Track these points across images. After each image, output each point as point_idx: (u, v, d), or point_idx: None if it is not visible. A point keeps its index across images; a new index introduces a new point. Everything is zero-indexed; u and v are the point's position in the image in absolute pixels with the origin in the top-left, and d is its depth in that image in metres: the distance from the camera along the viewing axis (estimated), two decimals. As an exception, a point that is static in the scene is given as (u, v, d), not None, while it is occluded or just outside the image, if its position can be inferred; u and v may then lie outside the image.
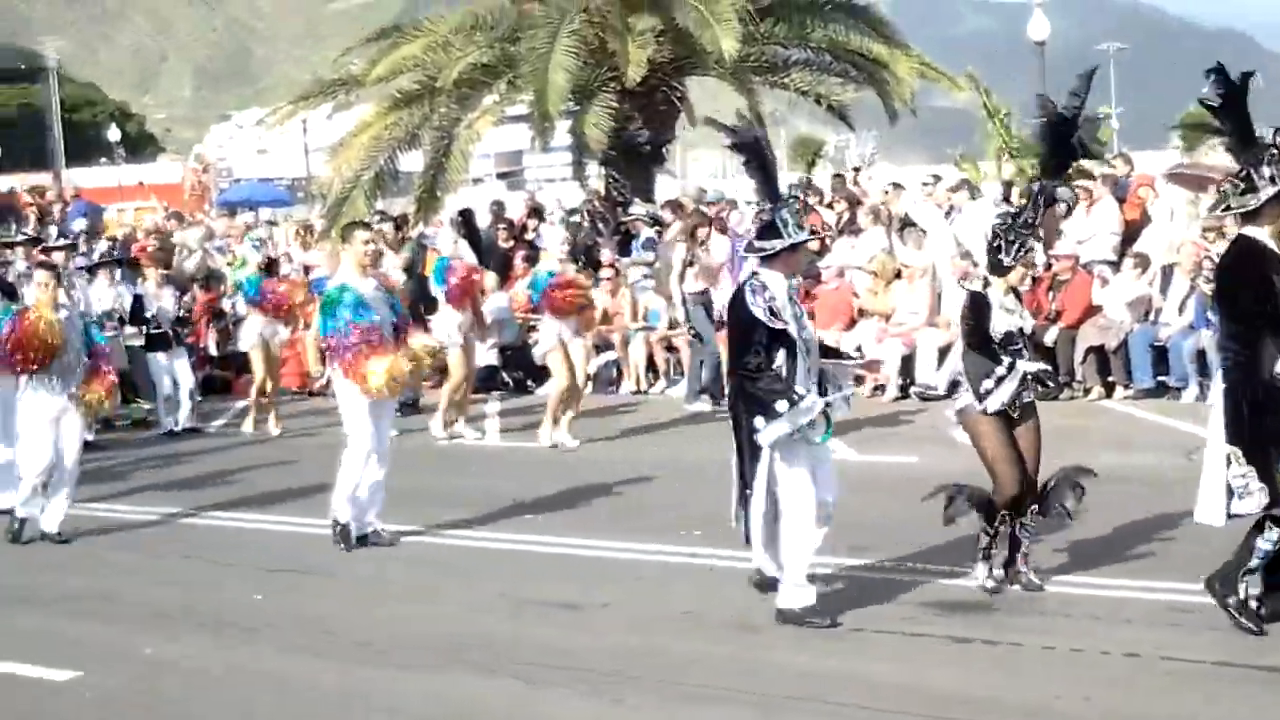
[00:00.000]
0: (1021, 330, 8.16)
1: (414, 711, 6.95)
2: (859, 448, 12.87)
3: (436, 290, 15.09)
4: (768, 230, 7.84)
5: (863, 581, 8.57)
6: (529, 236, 21.58)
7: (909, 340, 16.71)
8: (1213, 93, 7.28)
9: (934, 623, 7.77)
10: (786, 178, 35.25)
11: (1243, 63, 8.09)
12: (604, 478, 12.39)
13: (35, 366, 10.77)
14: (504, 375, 18.84)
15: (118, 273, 17.43)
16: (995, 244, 8.09)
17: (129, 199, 42.38)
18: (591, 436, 14.51)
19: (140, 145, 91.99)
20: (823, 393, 7.80)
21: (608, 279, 18.72)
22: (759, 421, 7.55)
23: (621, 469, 12.82)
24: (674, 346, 18.19)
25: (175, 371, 16.74)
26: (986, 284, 8.15)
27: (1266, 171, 7.18)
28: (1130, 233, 17.23)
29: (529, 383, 18.35)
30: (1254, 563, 7.24)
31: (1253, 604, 7.27)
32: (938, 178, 21.32)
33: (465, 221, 15.73)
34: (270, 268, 16.64)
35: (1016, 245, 8.02)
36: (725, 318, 9.13)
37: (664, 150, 24.85)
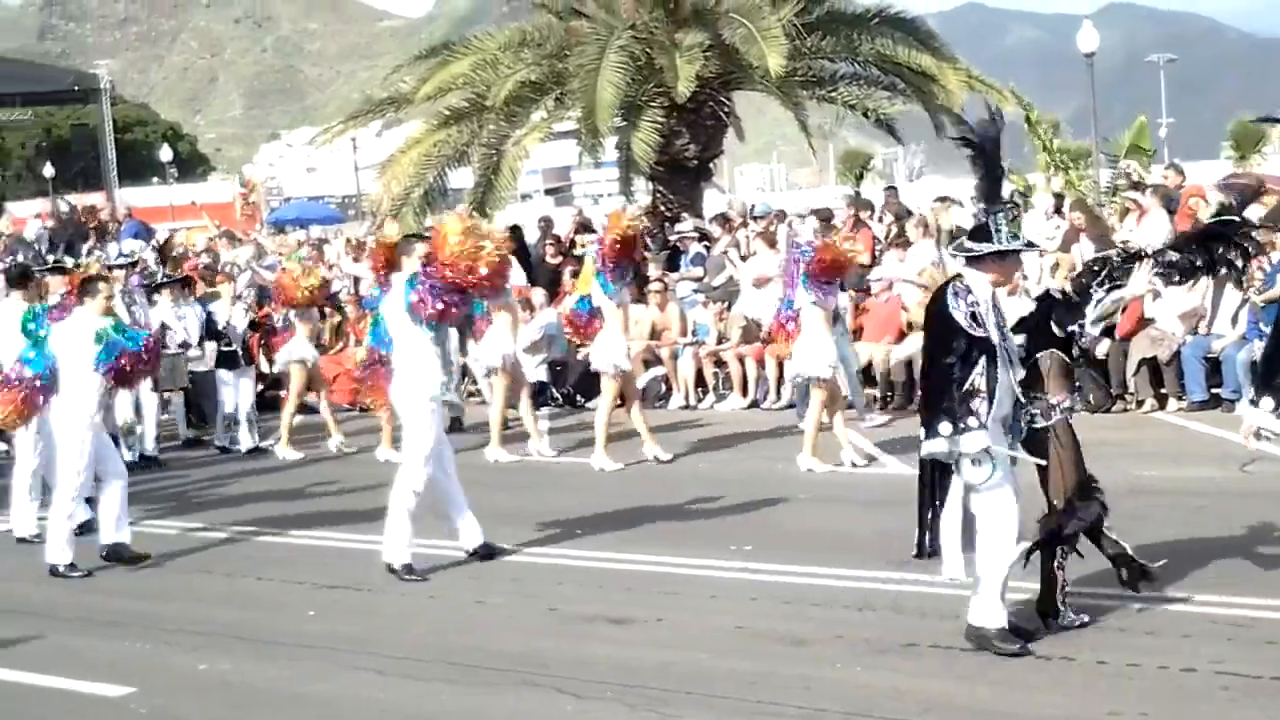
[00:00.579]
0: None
1: (464, 727, 6.96)
2: (908, 459, 12.76)
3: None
4: (979, 232, 7.50)
5: (916, 596, 8.52)
6: (577, 252, 21.61)
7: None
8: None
9: (986, 638, 7.69)
10: (835, 191, 35.25)
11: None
12: (653, 492, 12.39)
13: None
14: (553, 391, 18.87)
15: (182, 292, 17.35)
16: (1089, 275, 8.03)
17: (180, 218, 42.76)
18: (640, 453, 14.42)
19: (192, 165, 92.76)
20: (1022, 408, 7.52)
21: (656, 293, 18.73)
22: (924, 431, 7.38)
23: (670, 483, 12.82)
24: (723, 361, 18.16)
25: (239, 390, 16.81)
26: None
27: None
28: (1182, 244, 17.06)
29: (578, 398, 18.37)
30: None
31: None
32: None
33: (514, 238, 15.75)
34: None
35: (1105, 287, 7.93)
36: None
37: (711, 165, 24.89)
